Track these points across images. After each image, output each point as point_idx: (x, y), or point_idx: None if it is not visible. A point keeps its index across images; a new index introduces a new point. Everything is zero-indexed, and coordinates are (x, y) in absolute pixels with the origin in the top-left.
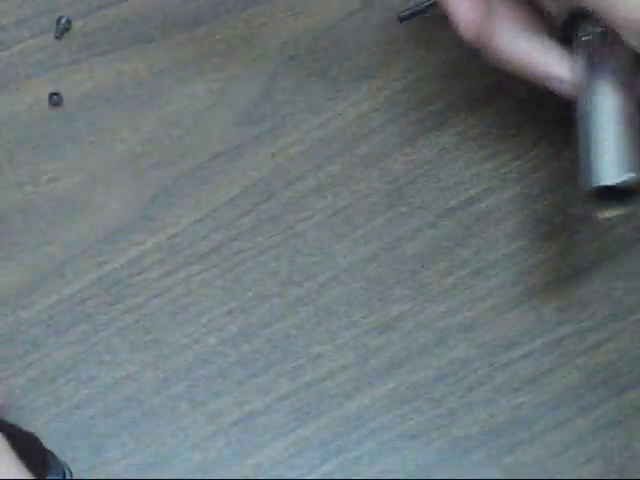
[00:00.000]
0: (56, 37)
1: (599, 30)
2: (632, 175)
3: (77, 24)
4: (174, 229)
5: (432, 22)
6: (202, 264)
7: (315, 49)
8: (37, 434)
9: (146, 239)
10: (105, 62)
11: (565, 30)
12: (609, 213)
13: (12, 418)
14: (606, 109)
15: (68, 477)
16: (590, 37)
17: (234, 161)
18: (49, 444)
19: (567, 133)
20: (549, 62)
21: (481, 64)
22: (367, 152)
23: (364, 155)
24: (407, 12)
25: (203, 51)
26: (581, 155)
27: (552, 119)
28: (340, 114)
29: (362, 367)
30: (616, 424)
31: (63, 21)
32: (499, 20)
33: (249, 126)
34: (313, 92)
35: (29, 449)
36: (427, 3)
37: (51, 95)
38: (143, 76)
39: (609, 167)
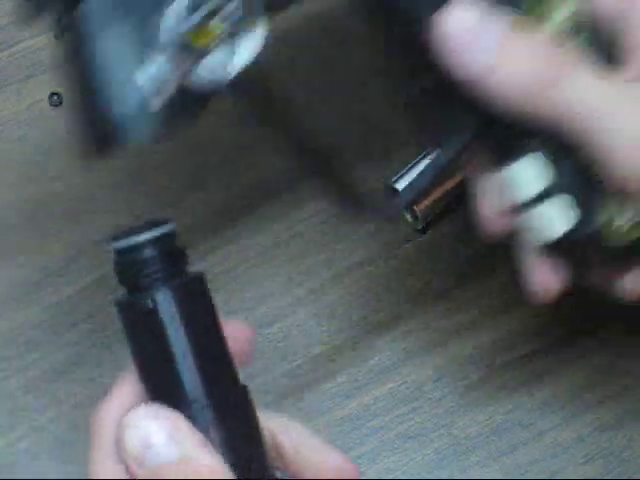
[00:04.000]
0: (56, 37)
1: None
2: None
3: None
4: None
5: None
6: (202, 264)
7: (315, 49)
8: (37, 434)
9: None
10: None
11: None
12: None
13: (12, 418)
14: None
15: None
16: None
17: (234, 161)
18: (49, 444)
19: None
20: None
21: None
22: (367, 152)
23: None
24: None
25: None
26: None
27: None
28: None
29: (362, 367)
30: (616, 424)
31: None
32: None
33: (249, 126)
34: (313, 92)
35: None
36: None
37: (51, 95)
38: None
39: None
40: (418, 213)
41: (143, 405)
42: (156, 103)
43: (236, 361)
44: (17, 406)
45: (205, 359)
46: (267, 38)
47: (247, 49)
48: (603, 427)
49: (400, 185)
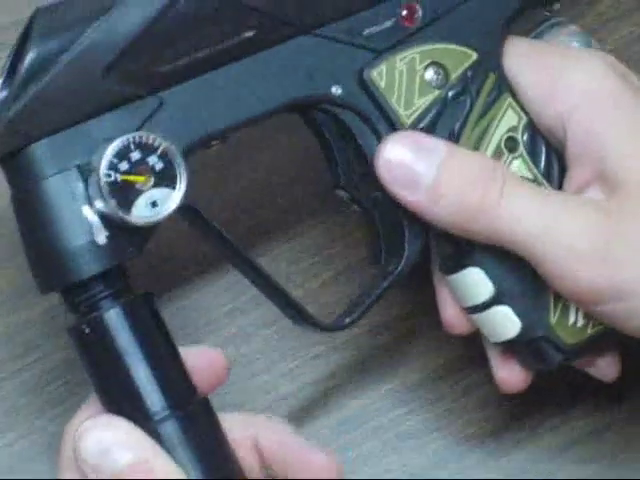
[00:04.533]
0: None
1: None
2: None
3: None
4: (174, 229)
5: None
6: (202, 264)
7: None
8: (36, 434)
9: None
10: None
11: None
12: None
13: (11, 419)
14: None
15: None
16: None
17: (234, 161)
18: (48, 444)
19: None
20: None
21: None
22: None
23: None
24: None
25: None
26: None
27: None
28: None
29: (362, 367)
30: (614, 425)
31: None
32: None
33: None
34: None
35: None
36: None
37: None
38: None
39: None
40: None
41: (96, 416)
42: (103, 237)
43: (208, 385)
44: (16, 406)
45: (161, 372)
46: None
47: (181, 187)
48: (602, 428)
49: None
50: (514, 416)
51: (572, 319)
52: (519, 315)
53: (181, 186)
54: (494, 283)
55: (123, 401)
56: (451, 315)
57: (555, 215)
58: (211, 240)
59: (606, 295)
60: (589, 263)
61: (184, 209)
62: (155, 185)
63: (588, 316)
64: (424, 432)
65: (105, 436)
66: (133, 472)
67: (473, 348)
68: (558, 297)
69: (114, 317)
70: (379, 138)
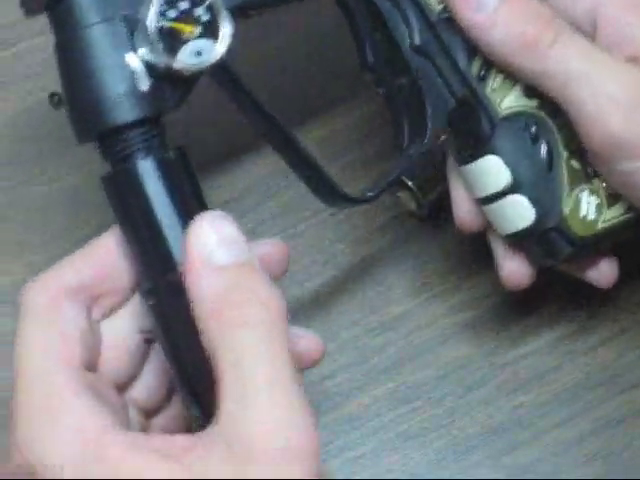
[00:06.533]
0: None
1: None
2: None
3: None
4: None
5: None
6: None
7: (316, 50)
8: None
9: None
10: None
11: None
12: None
13: None
14: None
15: None
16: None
17: (234, 161)
18: None
19: None
20: None
21: None
22: (367, 153)
23: (364, 155)
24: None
25: None
26: None
27: None
28: (340, 114)
29: (362, 367)
30: (616, 424)
31: None
32: None
33: (249, 126)
34: (313, 92)
35: None
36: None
37: (51, 95)
38: None
39: None
40: (422, 201)
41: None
42: (145, 84)
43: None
44: None
45: (188, 224)
46: (237, 37)
47: (224, 40)
48: (603, 427)
49: None
50: (516, 414)
51: (584, 212)
52: (534, 204)
53: (224, 39)
54: (511, 171)
55: (150, 249)
56: (464, 211)
57: (601, 65)
58: (244, 108)
59: (627, 150)
60: (624, 113)
61: (222, 70)
62: (200, 36)
63: (599, 210)
64: (425, 432)
65: (225, 229)
66: (238, 270)
67: (473, 347)
68: (572, 189)
69: (147, 167)
70: (408, 25)
